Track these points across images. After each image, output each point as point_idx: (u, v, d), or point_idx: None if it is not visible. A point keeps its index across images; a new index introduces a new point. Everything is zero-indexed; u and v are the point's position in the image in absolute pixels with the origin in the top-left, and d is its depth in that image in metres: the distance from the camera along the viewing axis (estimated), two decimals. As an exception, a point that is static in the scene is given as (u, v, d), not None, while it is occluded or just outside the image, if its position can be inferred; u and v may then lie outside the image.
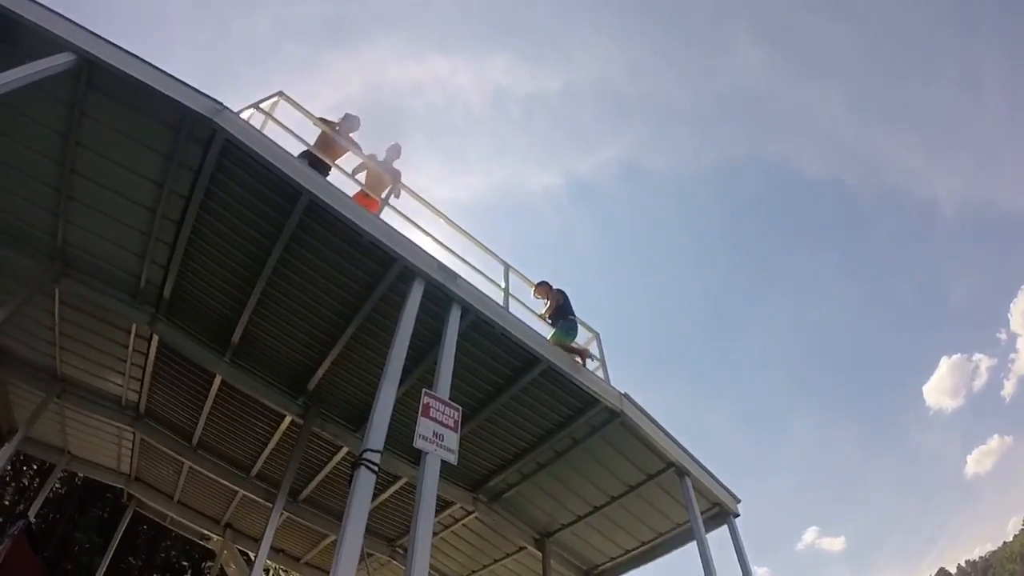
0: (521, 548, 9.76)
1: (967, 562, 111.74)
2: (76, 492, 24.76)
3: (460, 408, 4.93)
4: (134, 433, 9.59)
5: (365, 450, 4.20)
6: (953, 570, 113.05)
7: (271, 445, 8.78)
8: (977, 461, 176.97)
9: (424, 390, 4.79)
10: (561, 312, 7.75)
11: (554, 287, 8.09)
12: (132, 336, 7.81)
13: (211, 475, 9.66)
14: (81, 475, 22.65)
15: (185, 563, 27.05)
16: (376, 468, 4.16)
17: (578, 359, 7.26)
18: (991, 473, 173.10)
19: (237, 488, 9.81)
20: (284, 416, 8.12)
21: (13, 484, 24.15)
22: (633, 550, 9.48)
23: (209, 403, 8.34)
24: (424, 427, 4.57)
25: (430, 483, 4.35)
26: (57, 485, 24.81)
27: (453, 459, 4.65)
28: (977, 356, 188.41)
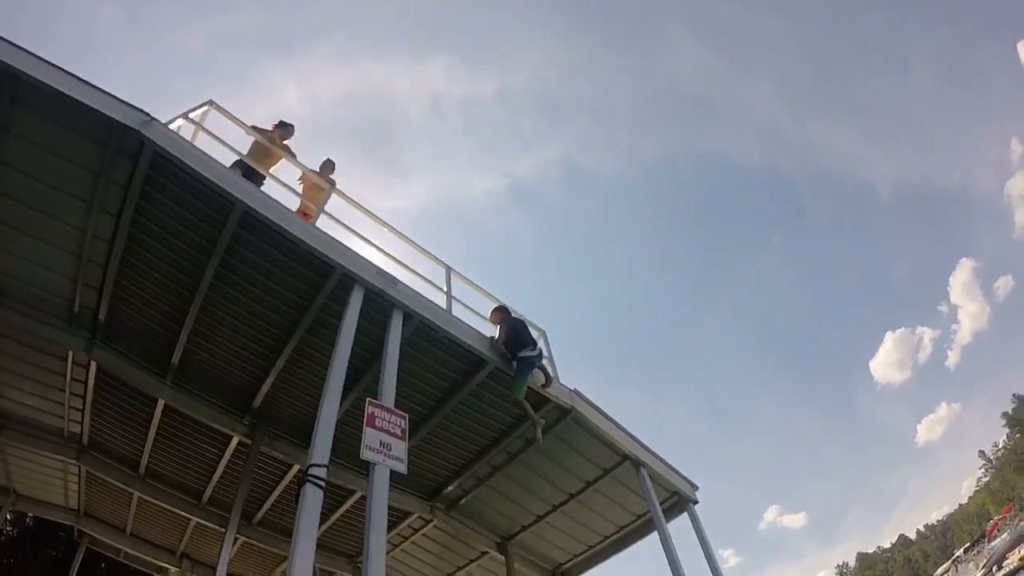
0: (484, 553, 9.73)
1: (926, 526, 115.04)
2: (27, 533, 23.84)
3: (407, 416, 4.90)
4: (79, 466, 9.22)
5: (311, 465, 4.17)
6: (913, 535, 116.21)
7: (220, 468, 8.54)
8: (928, 429, 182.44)
9: (368, 399, 4.75)
10: (513, 344, 6.85)
11: (512, 314, 7.39)
12: (70, 364, 7.52)
13: (162, 504, 9.33)
14: (31, 516, 21.97)
15: (146, 598, 26.37)
16: (323, 484, 4.12)
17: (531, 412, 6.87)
18: (942, 439, 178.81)
19: (190, 516, 9.51)
20: (231, 437, 7.92)
21: (-40, 530, 23.08)
22: (596, 545, 9.56)
23: (153, 429, 8.08)
24: (370, 438, 4.53)
25: (380, 494, 4.32)
26: (9, 528, 23.95)
27: (403, 468, 4.61)
28: (920, 329, 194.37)
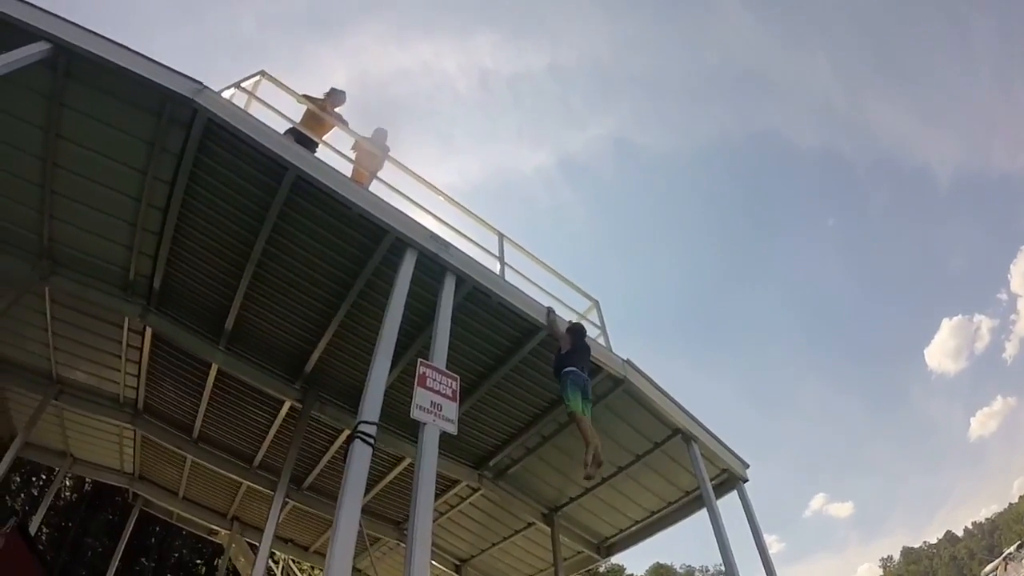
0: (530, 524, 9.73)
1: (974, 524, 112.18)
2: (85, 497, 24.79)
3: (458, 377, 4.82)
4: (134, 430, 9.50)
5: (360, 422, 4.11)
6: (960, 532, 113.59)
7: (272, 433, 8.69)
8: (981, 423, 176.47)
9: (420, 360, 4.68)
10: (566, 359, 6.18)
11: (584, 338, 6.53)
12: (125, 331, 7.70)
13: (214, 468, 9.58)
14: (90, 481, 22.84)
15: (199, 561, 27.17)
16: (372, 441, 4.06)
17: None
18: (995, 435, 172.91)
19: (241, 479, 9.75)
20: (283, 402, 8.02)
21: (22, 494, 24.15)
22: (642, 520, 9.44)
23: (207, 394, 8.24)
24: (421, 397, 4.47)
25: (429, 455, 4.26)
26: (67, 493, 24.99)
27: (453, 429, 4.55)
28: (978, 317, 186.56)
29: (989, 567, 35.86)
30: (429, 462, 4.22)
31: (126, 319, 7.47)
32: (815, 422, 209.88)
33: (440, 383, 4.67)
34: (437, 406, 4.53)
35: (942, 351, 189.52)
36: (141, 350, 7.93)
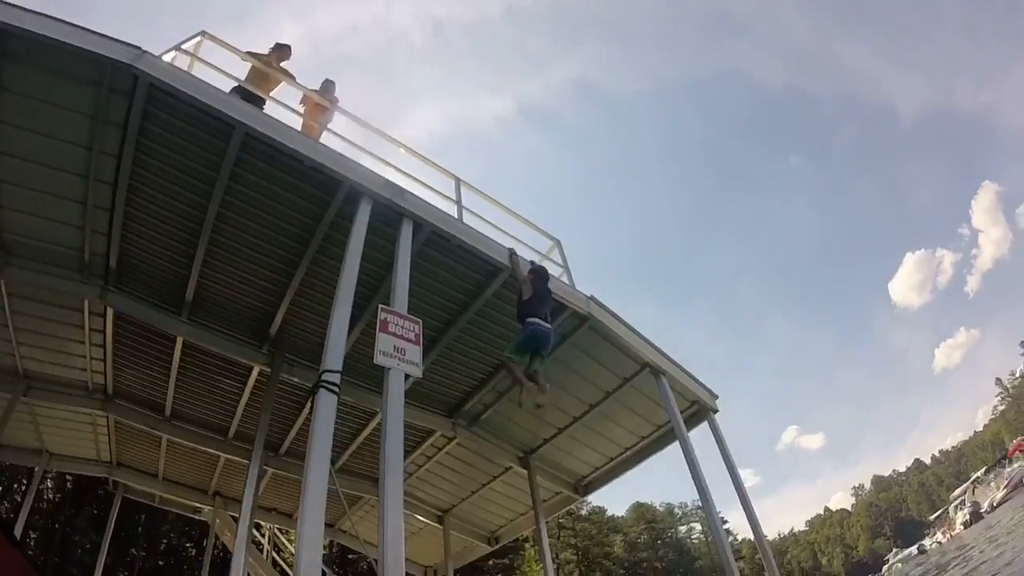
0: (507, 468, 9.94)
1: (941, 452, 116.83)
2: (68, 496, 24.60)
3: (420, 321, 4.87)
4: (107, 417, 9.45)
5: (324, 371, 4.14)
6: (928, 460, 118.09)
7: (243, 401, 8.71)
8: (945, 355, 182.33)
9: (381, 306, 4.71)
10: (528, 306, 6.19)
11: (547, 281, 6.55)
12: (86, 314, 7.60)
13: (190, 444, 9.60)
14: (72, 478, 22.64)
15: (188, 544, 27.27)
16: (336, 389, 4.10)
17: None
18: (959, 366, 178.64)
19: (218, 453, 9.78)
20: (251, 368, 8.03)
21: (6, 501, 23.89)
22: (617, 457, 9.72)
23: (175, 369, 8.20)
24: (384, 343, 4.51)
25: (396, 399, 4.33)
26: (50, 494, 24.72)
27: (418, 372, 4.63)
28: (940, 252, 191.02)
29: (958, 491, 37.36)
30: (396, 407, 4.29)
31: (86, 302, 7.37)
32: (784, 357, 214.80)
33: (402, 327, 4.72)
34: (400, 350, 4.58)
35: (906, 285, 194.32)
36: (104, 332, 7.84)
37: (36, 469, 11.03)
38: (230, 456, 9.77)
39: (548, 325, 6.17)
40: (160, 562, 26.24)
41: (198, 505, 11.68)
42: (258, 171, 5.77)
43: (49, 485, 24.70)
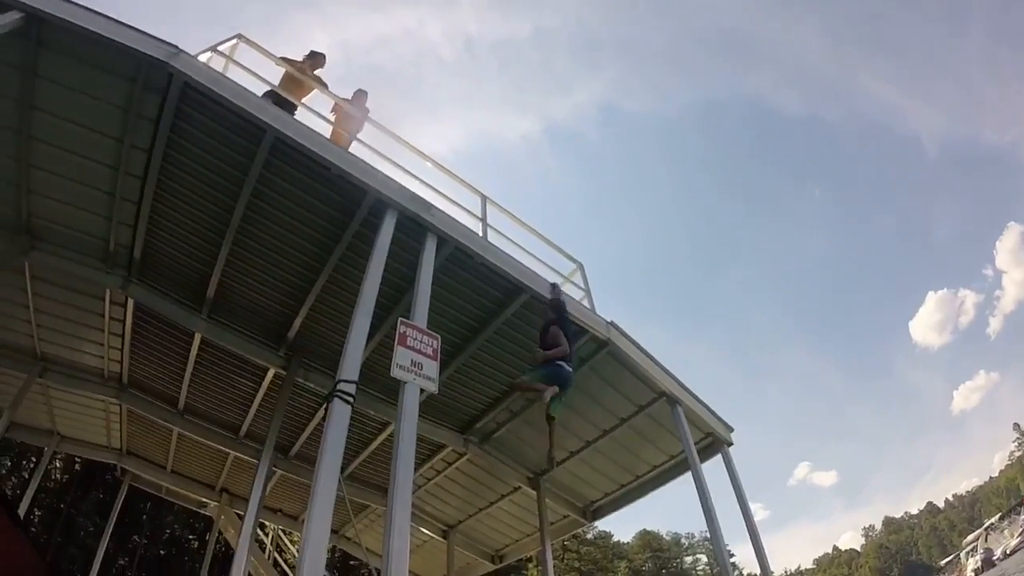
0: (516, 488, 9.82)
1: (955, 496, 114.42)
2: (76, 477, 24.81)
3: (439, 336, 4.81)
4: (120, 405, 9.49)
5: (339, 381, 4.10)
6: (941, 504, 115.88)
7: (257, 402, 8.69)
8: (964, 397, 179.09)
9: (400, 319, 4.68)
10: (548, 339, 6.00)
11: (567, 313, 6.37)
12: (107, 304, 7.65)
13: (201, 439, 9.60)
14: (80, 461, 22.88)
15: (191, 536, 27.40)
16: (351, 400, 4.07)
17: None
18: (977, 409, 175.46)
19: (228, 450, 9.76)
20: (267, 370, 8.01)
21: (13, 478, 24.15)
22: (628, 484, 9.55)
23: (191, 365, 8.22)
24: (402, 356, 4.46)
25: (410, 413, 4.28)
26: (58, 474, 24.99)
27: (433, 387, 4.56)
28: (963, 292, 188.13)
29: (971, 536, 36.58)
30: (410, 420, 4.25)
31: (107, 292, 7.42)
32: (800, 391, 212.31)
33: (421, 342, 4.67)
34: (418, 364, 4.53)
35: (927, 324, 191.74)
36: (124, 323, 7.88)
37: (46, 449, 11.10)
38: (240, 454, 9.76)
39: (570, 368, 5.92)
40: (162, 552, 26.41)
41: (204, 500, 11.69)
42: (286, 176, 5.78)
43: (57, 465, 24.92)
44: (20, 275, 7.14)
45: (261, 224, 6.28)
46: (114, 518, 11.89)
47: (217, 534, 12.42)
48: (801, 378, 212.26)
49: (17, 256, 6.64)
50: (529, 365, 6.46)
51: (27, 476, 23.47)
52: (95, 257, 6.90)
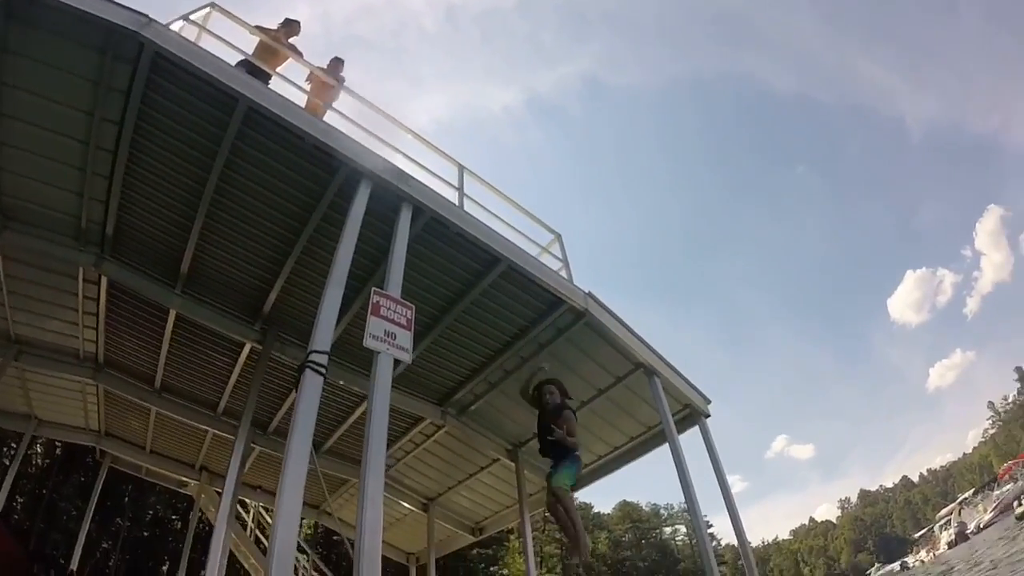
0: (495, 460, 9.89)
1: (929, 471, 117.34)
2: (56, 462, 24.63)
3: (413, 306, 4.80)
4: (97, 386, 9.44)
5: (311, 351, 4.10)
6: (916, 478, 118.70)
7: (234, 377, 8.67)
8: (939, 375, 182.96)
9: (374, 289, 4.65)
10: (549, 415, 6.62)
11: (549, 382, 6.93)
12: (80, 282, 7.57)
13: (178, 418, 9.58)
14: (61, 445, 22.68)
15: (174, 516, 27.35)
16: (323, 370, 4.07)
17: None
18: (952, 387, 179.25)
19: (206, 428, 9.77)
20: (243, 345, 7.97)
21: (-7, 465, 23.87)
22: (606, 455, 9.65)
23: (167, 342, 8.16)
24: (375, 326, 4.45)
25: (383, 383, 4.28)
26: (39, 460, 24.76)
27: (407, 357, 4.57)
28: (941, 271, 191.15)
29: (945, 510, 37.45)
30: (383, 390, 4.25)
31: (81, 270, 7.33)
32: (780, 367, 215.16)
33: (394, 312, 4.65)
34: (391, 335, 4.52)
35: (905, 302, 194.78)
36: (98, 301, 7.80)
37: (24, 435, 11.01)
38: (218, 432, 9.74)
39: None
40: (145, 533, 26.36)
41: (184, 479, 11.69)
42: (260, 146, 5.69)
43: (38, 450, 24.71)
44: (-10, 256, 7.00)
45: (234, 196, 6.19)
46: (95, 501, 11.88)
47: (199, 513, 12.42)
48: (782, 354, 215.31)
49: (-13, 237, 6.50)
50: (550, 459, 6.60)
51: (7, 463, 23.29)
52: (67, 235, 6.80)
